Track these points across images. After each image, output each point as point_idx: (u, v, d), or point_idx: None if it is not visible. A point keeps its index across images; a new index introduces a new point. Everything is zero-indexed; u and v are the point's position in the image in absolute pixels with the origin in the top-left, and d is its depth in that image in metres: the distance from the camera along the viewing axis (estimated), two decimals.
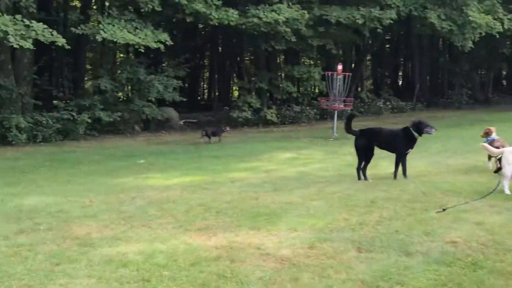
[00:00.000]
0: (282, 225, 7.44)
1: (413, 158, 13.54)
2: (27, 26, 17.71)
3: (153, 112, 23.37)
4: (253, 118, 26.65)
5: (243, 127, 26.16)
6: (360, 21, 25.27)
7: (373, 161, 11.67)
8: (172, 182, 11.21)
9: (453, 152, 14.37)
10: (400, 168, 10.92)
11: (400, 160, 10.92)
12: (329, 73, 22.12)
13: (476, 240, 6.46)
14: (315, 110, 28.77)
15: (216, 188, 10.40)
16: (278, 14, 23.45)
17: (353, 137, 11.36)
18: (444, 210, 8.00)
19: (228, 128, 21.20)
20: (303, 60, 38.92)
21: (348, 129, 11.43)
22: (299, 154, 15.70)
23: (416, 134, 10.71)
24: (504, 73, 57.34)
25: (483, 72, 46.14)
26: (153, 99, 23.30)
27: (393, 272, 5.48)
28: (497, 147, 11.07)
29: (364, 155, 11.05)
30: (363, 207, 8.39)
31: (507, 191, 8.96)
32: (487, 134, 11.86)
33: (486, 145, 10.10)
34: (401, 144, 10.91)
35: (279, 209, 8.41)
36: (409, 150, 10.95)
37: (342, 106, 21.92)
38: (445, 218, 7.51)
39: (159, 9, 22.07)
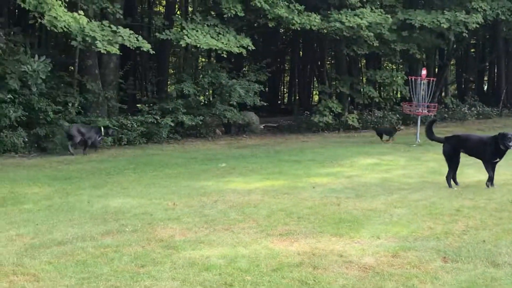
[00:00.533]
0: (365, 232, 7.38)
1: (500, 165, 13.11)
2: (114, 32, 18.21)
3: (234, 116, 23.58)
4: (334, 123, 26.47)
5: (323, 131, 26.05)
6: (445, 25, 24.75)
7: (459, 169, 11.44)
8: (253, 186, 11.27)
9: None
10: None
11: (488, 167, 10.65)
12: (413, 78, 21.77)
13: None
14: (398, 115, 28.34)
15: (297, 193, 10.39)
16: (361, 19, 23.26)
17: (436, 143, 11.19)
18: None
19: (402, 127, 20.98)
20: (385, 64, 38.44)
21: (430, 135, 11.28)
22: (381, 160, 15.48)
23: (502, 146, 10.43)
24: None
25: None
26: (234, 103, 23.50)
27: (480, 284, 5.36)
28: None
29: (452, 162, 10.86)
30: (448, 215, 8.24)
31: None
32: None
33: None
34: (488, 152, 10.64)
35: (362, 216, 8.34)
36: (497, 159, 10.66)
37: (425, 111, 21.51)
38: None
39: (242, 14, 22.28)
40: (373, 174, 12.87)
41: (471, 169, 12.62)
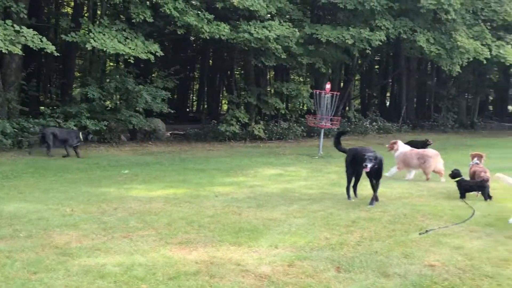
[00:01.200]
0: (264, 241, 7.48)
1: (396, 180, 13.71)
2: (17, 32, 17.67)
3: (140, 122, 23.30)
4: (241, 133, 26.63)
5: (230, 141, 26.16)
6: (349, 41, 25.46)
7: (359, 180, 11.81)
8: (156, 194, 11.20)
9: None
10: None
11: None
12: (317, 91, 22.22)
13: (454, 265, 6.54)
14: (302, 127, 28.85)
15: (199, 202, 10.41)
16: (269, 31, 23.55)
17: (338, 156, 11.50)
18: (427, 231, 8.10)
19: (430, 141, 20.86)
20: (292, 77, 39.10)
21: (337, 144, 11.60)
22: (285, 170, 15.72)
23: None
24: (491, 99, 57.88)
25: (469, 97, 46.54)
26: (140, 110, 23.26)
27: None
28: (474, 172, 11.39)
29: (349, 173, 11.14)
30: (344, 226, 8.47)
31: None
32: (477, 157, 12.23)
33: (502, 176, 9.92)
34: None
35: (262, 226, 8.46)
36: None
37: (329, 124, 22.00)
38: (424, 241, 7.59)
39: (151, 20, 22.11)
40: (276, 184, 13.04)
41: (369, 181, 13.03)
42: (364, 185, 11.70)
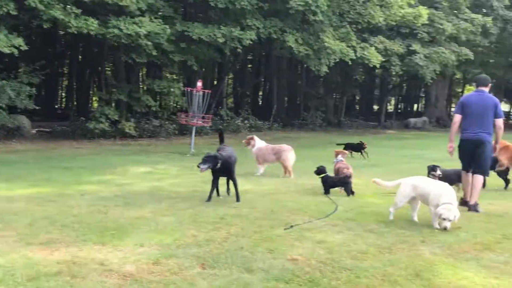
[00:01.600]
0: (129, 240, 7.36)
1: (264, 176, 13.96)
2: None
3: (3, 119, 22.30)
4: (110, 130, 26.13)
5: (99, 139, 25.60)
6: (220, 40, 25.61)
7: (225, 178, 11.91)
8: (17, 193, 10.78)
9: (304, 172, 14.82)
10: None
11: None
12: (189, 89, 22.19)
13: (315, 258, 6.71)
14: (174, 125, 28.73)
15: (64, 201, 10.10)
16: (140, 27, 23.25)
17: None
18: (292, 226, 8.28)
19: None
20: (166, 75, 38.84)
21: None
22: (155, 168, 15.59)
23: None
24: (358, 98, 60.25)
25: (337, 97, 48.14)
26: (3, 106, 22.24)
27: None
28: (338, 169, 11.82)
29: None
30: (212, 223, 8.49)
31: (391, 217, 9.14)
32: (341, 154, 12.71)
33: (378, 180, 10.09)
34: None
35: (128, 224, 8.32)
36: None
37: (200, 122, 22.05)
38: (289, 236, 7.76)
39: (15, 13, 21.19)
40: (145, 182, 12.91)
41: (241, 179, 13.16)
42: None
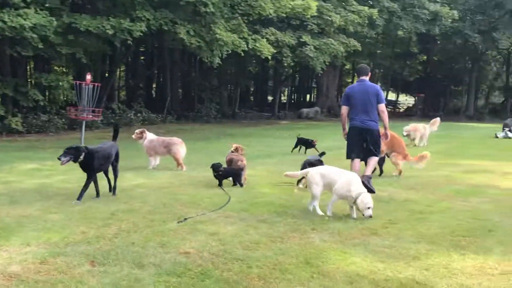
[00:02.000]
0: (15, 240, 7.08)
1: (157, 170, 13.82)
2: None
3: None
4: None
5: None
6: (110, 32, 25.01)
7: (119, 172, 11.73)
8: None
9: (197, 164, 14.80)
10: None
11: None
12: (78, 82, 21.62)
13: (208, 250, 6.70)
14: (64, 120, 27.93)
15: None
16: (25, 19, 22.36)
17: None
18: (185, 219, 8.22)
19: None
20: (55, 68, 37.62)
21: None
22: (43, 165, 15.04)
23: None
24: (252, 89, 60.76)
25: (231, 88, 48.35)
26: None
27: (124, 285, 5.48)
28: (231, 160, 11.86)
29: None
30: (102, 219, 8.29)
31: (319, 212, 8.99)
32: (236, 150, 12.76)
33: (290, 173, 10.11)
34: None
35: (14, 223, 8.00)
36: None
37: (90, 116, 21.52)
38: (181, 229, 7.70)
39: None
40: (33, 179, 12.45)
41: (129, 173, 12.99)
42: (125, 177, 11.66)
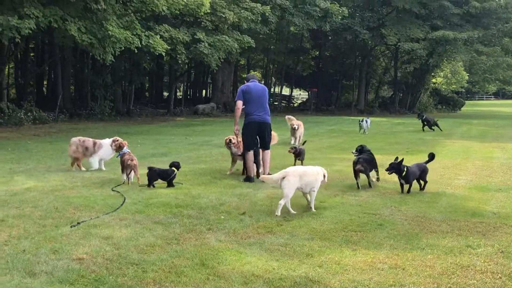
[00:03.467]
0: None
1: (49, 172, 13.43)
2: None
3: None
4: None
5: None
6: None
7: (8, 176, 11.40)
8: None
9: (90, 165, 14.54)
10: None
11: None
12: None
13: (102, 255, 6.62)
14: None
15: None
16: None
17: None
18: (78, 223, 8.07)
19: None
20: None
21: None
22: None
23: None
24: (147, 86, 60.04)
25: (126, 85, 47.55)
26: None
27: None
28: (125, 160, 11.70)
29: None
30: None
31: (279, 212, 8.97)
32: (119, 147, 12.53)
33: (266, 177, 10.20)
34: None
35: None
36: None
37: None
38: (74, 234, 7.56)
39: None
40: None
41: (21, 176, 12.59)
42: (16, 180, 11.32)
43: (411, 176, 10.91)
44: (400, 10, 52.57)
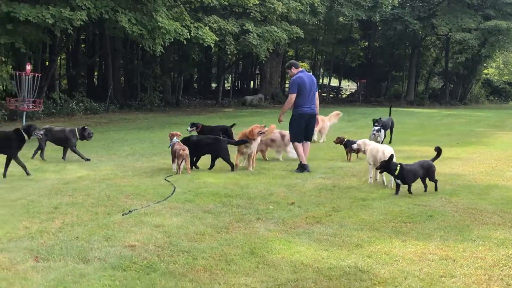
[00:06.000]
0: None
1: (101, 161, 13.67)
2: None
3: None
4: None
5: None
6: (50, 21, 24.40)
7: (61, 165, 11.62)
8: None
9: (141, 155, 14.72)
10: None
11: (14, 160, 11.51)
12: (17, 72, 21.20)
13: (153, 243, 6.71)
14: (3, 111, 27.29)
15: None
16: None
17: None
18: (130, 212, 8.20)
19: None
20: None
21: None
22: None
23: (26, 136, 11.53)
24: (195, 77, 60.49)
25: (175, 76, 47.97)
26: None
27: (69, 280, 5.45)
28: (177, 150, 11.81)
29: None
30: (45, 213, 8.21)
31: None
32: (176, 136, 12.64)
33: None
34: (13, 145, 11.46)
35: None
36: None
37: (31, 107, 21.15)
38: (126, 222, 7.68)
39: None
40: None
41: (73, 165, 12.84)
42: (69, 169, 11.53)
43: (408, 175, 9.83)
44: (451, 0, 51.69)
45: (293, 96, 12.45)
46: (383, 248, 6.59)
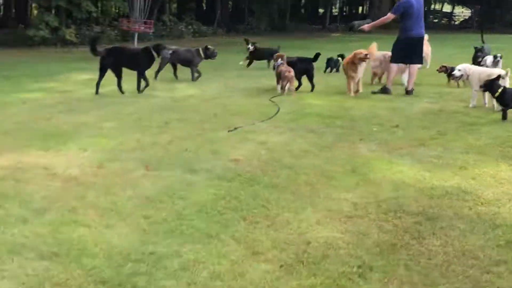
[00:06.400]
0: (73, 145, 7.42)
1: (209, 81, 13.98)
2: None
3: None
4: (51, 38, 25.48)
5: (40, 46, 24.98)
6: None
7: (171, 84, 11.99)
8: None
9: (248, 77, 14.90)
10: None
11: (142, 77, 12.05)
12: None
13: (257, 158, 6.88)
14: (116, 31, 28.15)
15: (4, 109, 10.04)
16: None
17: None
18: (236, 128, 8.42)
19: None
20: None
21: (93, 51, 11.65)
22: (96, 75, 15.34)
23: (155, 54, 11.98)
24: (303, 2, 59.75)
25: (282, 1, 47.56)
26: None
27: (177, 188, 5.70)
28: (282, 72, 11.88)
29: (114, 73, 11.91)
30: (156, 127, 8.59)
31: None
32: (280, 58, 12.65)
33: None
34: (142, 62, 11.96)
35: (72, 130, 8.37)
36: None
37: (142, 28, 21.69)
38: (231, 138, 7.91)
39: None
40: (88, 89, 12.78)
41: (183, 84, 13.21)
42: (178, 88, 11.87)
43: (509, 98, 9.27)
44: None
45: (391, 17, 12.30)
46: (488, 171, 6.45)
